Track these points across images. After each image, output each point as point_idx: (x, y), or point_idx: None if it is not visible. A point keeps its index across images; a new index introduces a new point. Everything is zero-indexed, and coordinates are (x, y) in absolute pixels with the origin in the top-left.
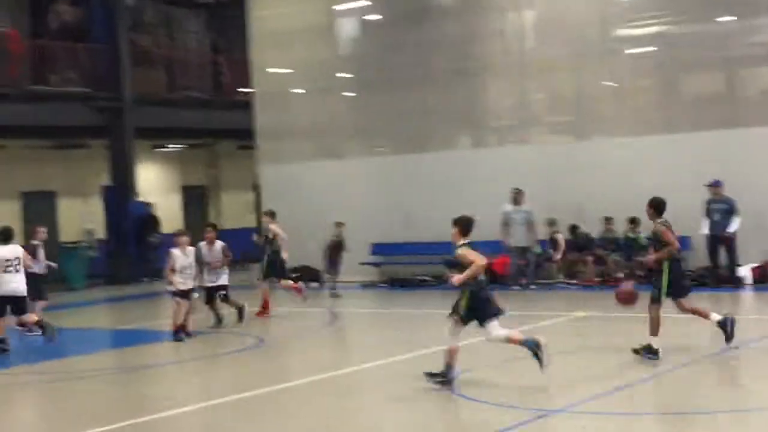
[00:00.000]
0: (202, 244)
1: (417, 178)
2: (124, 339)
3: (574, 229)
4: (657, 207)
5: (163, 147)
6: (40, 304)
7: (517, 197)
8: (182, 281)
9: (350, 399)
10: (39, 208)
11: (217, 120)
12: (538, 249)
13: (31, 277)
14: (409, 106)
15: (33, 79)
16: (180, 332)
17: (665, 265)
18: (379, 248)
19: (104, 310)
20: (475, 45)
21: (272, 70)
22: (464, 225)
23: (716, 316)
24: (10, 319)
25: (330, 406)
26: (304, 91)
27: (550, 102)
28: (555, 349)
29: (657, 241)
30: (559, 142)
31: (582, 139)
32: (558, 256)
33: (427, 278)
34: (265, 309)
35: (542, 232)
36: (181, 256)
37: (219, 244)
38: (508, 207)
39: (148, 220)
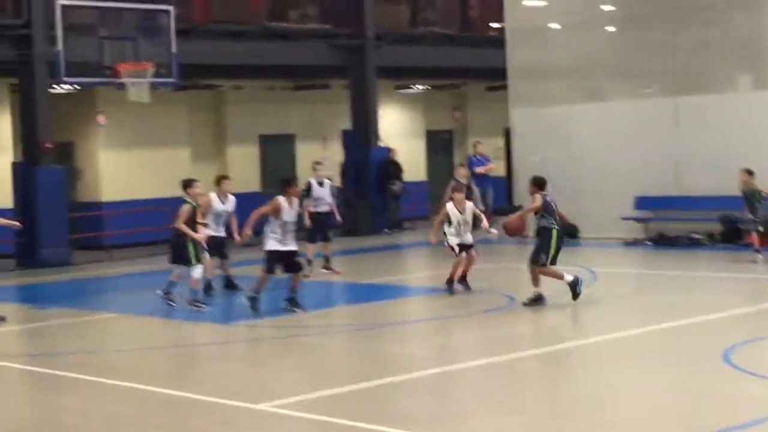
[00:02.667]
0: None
1: (689, 124)
2: (365, 294)
3: None
4: None
5: (406, 88)
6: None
7: None
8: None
9: (611, 368)
10: (277, 152)
11: (464, 58)
12: None
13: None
14: (681, 41)
15: (271, 15)
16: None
17: None
18: (643, 202)
19: (343, 263)
20: None
21: (527, 3)
22: None
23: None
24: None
25: (591, 374)
26: (560, 26)
27: None
28: None
29: None
30: None
31: None
32: None
33: (698, 236)
34: None
35: None
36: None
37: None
38: None
39: (389, 166)
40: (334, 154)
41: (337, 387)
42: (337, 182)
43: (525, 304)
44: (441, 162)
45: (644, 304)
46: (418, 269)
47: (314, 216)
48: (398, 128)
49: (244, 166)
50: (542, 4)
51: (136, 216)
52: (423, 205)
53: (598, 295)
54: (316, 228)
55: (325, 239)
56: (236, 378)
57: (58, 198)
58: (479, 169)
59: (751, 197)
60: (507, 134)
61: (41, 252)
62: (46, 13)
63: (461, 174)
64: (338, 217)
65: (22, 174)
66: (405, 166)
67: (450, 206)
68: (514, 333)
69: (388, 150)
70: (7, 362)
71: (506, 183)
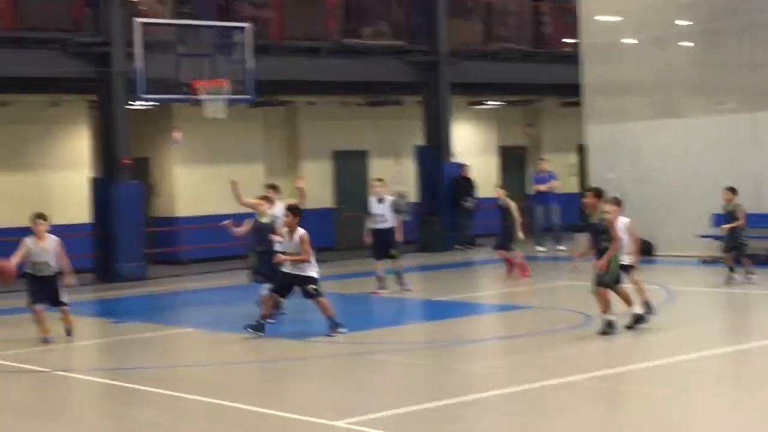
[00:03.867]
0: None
1: None
2: (439, 311)
3: None
4: None
5: (480, 104)
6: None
7: None
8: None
9: (694, 389)
10: (350, 168)
11: (538, 74)
12: None
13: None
14: (759, 56)
15: (345, 32)
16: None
17: None
18: (721, 219)
19: (415, 278)
20: None
21: (602, 18)
22: None
23: None
24: None
25: (674, 395)
26: (636, 41)
27: None
28: None
29: None
30: None
31: None
32: None
33: None
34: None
35: None
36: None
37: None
38: None
39: (462, 182)
40: (407, 170)
41: (415, 405)
42: (413, 198)
43: (600, 333)
44: (514, 178)
45: (724, 324)
46: (490, 286)
47: (375, 233)
48: (471, 144)
49: (317, 181)
50: (617, 19)
51: (210, 231)
52: (495, 222)
53: (677, 314)
54: (377, 245)
55: (389, 256)
56: (314, 394)
57: (134, 213)
58: (541, 187)
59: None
60: (581, 150)
61: (118, 266)
62: (124, 31)
63: (499, 194)
64: (398, 235)
65: (99, 189)
66: (478, 182)
67: None
68: (591, 352)
69: (461, 166)
70: (85, 375)
71: (579, 200)
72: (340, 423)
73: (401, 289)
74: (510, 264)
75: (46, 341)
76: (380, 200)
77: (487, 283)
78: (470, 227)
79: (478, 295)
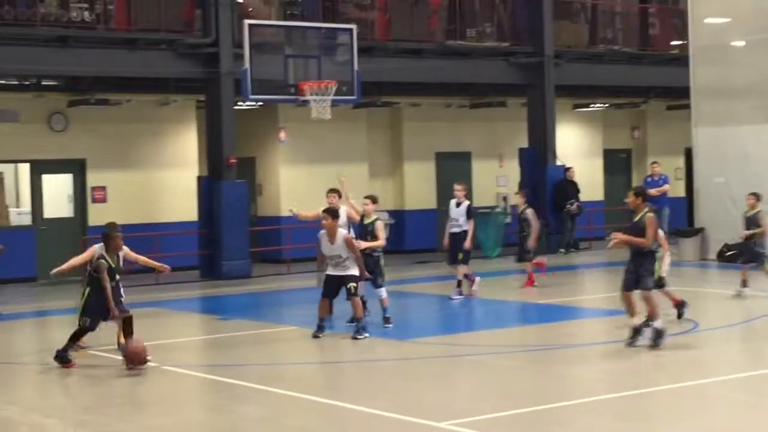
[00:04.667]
0: None
1: None
2: (541, 314)
3: None
4: None
5: (585, 106)
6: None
7: None
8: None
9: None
10: (453, 169)
11: (644, 77)
12: None
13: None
14: None
15: (449, 33)
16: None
17: None
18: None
19: (518, 282)
20: None
21: (710, 21)
22: None
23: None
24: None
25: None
26: (745, 43)
27: None
28: None
29: None
30: None
31: None
32: None
33: None
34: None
35: None
36: None
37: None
38: None
39: (566, 186)
40: (510, 172)
41: (517, 408)
42: (513, 201)
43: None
44: (618, 181)
45: None
46: (595, 290)
47: (451, 237)
48: (576, 147)
49: (420, 182)
50: (726, 21)
51: (314, 231)
52: (600, 225)
53: None
54: (453, 249)
55: (455, 261)
56: (416, 395)
57: (240, 212)
58: (652, 191)
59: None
60: (688, 154)
61: (224, 265)
62: (233, 33)
63: (519, 203)
64: (468, 242)
65: (206, 188)
66: (582, 186)
67: None
68: (698, 358)
69: (565, 169)
70: (191, 371)
71: (687, 204)
72: (443, 424)
73: (468, 293)
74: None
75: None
76: (458, 204)
77: (590, 286)
78: (574, 230)
79: (581, 299)
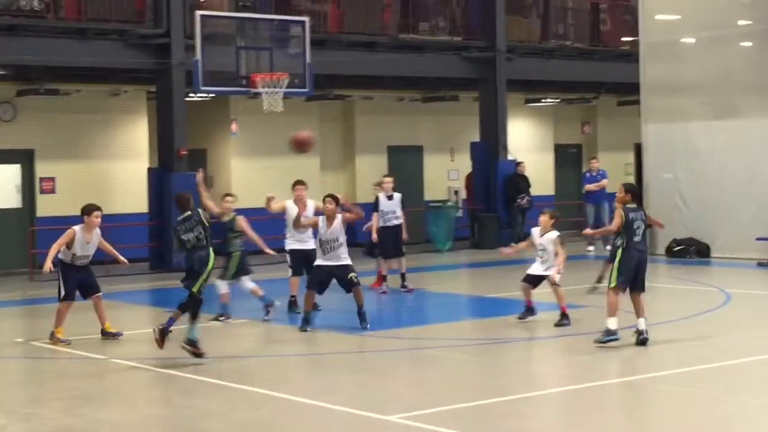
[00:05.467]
0: None
1: None
2: (490, 308)
3: None
4: None
5: (536, 101)
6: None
7: None
8: None
9: (748, 392)
10: (405, 163)
11: (595, 72)
12: None
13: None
14: None
15: (402, 27)
16: None
17: None
18: None
19: (468, 275)
20: None
21: (661, 17)
22: None
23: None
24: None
25: (731, 397)
26: (695, 40)
27: None
28: None
29: None
30: None
31: None
32: None
33: None
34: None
35: None
36: None
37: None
38: None
39: (517, 180)
40: (462, 166)
41: (465, 401)
42: (464, 195)
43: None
44: (569, 176)
45: None
46: (545, 284)
47: (384, 231)
48: (527, 141)
49: (372, 176)
50: (677, 17)
51: (265, 223)
52: None
53: (733, 317)
54: (386, 243)
55: (397, 254)
56: (367, 388)
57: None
58: (590, 186)
59: None
60: (638, 149)
61: (174, 257)
62: (184, 23)
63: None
64: (404, 234)
65: (156, 180)
66: (533, 180)
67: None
68: (647, 353)
69: (516, 164)
70: (141, 364)
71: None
72: (392, 417)
73: (403, 291)
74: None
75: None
76: (390, 197)
77: None
78: (524, 225)
79: (533, 293)
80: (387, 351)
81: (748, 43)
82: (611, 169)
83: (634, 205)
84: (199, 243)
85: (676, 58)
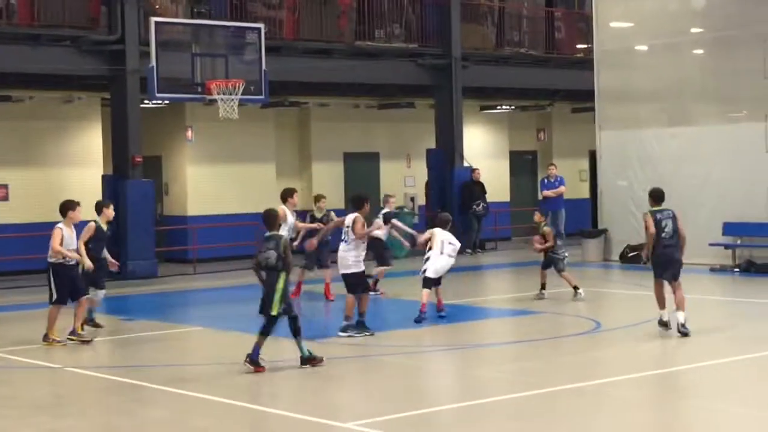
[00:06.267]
0: None
1: None
2: (447, 315)
3: None
4: None
5: (492, 108)
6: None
7: None
8: None
9: (699, 397)
10: (361, 170)
11: (550, 79)
12: None
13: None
14: None
15: (358, 34)
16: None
17: None
18: (732, 228)
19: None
20: None
21: (615, 25)
22: None
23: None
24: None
25: (680, 402)
26: (648, 48)
27: None
28: None
29: None
30: None
31: None
32: None
33: None
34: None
35: None
36: None
37: None
38: None
39: (473, 187)
40: (418, 173)
41: (421, 408)
42: (421, 201)
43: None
44: (524, 183)
45: (733, 333)
46: (501, 291)
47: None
48: (482, 148)
49: (328, 182)
50: (630, 25)
51: (221, 230)
52: (506, 226)
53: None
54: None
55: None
56: (322, 395)
57: (145, 211)
58: (547, 192)
59: None
60: (592, 156)
61: (129, 264)
62: (139, 30)
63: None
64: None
65: (111, 187)
66: (488, 187)
67: None
68: (599, 359)
69: (472, 170)
70: (95, 372)
71: (591, 205)
72: (348, 425)
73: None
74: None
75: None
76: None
77: (496, 287)
78: (480, 231)
79: (488, 299)
80: (342, 358)
81: (700, 51)
82: (566, 175)
83: (659, 207)
84: (269, 264)
85: (629, 65)
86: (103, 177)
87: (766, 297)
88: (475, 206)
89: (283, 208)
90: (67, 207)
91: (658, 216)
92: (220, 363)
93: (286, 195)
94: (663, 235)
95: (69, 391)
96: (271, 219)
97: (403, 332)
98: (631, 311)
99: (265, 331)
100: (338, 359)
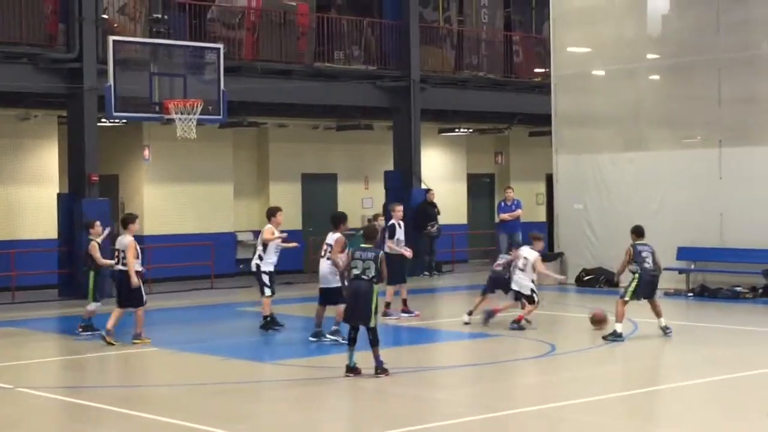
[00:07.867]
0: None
1: (734, 175)
2: (403, 337)
3: None
4: None
5: (450, 131)
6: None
7: None
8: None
9: (654, 421)
10: (319, 191)
11: (507, 103)
12: None
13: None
14: (727, 92)
15: (317, 55)
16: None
17: None
18: (686, 253)
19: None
20: None
21: (572, 50)
22: None
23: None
24: None
25: (636, 426)
26: (604, 73)
27: None
28: None
29: None
30: None
31: None
32: None
33: (741, 289)
34: None
35: None
36: None
37: None
38: None
39: (426, 208)
40: (376, 194)
41: (377, 430)
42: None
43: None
44: (481, 205)
45: (686, 357)
46: (457, 313)
47: (393, 257)
48: (441, 171)
49: (286, 203)
50: (587, 50)
51: (177, 250)
52: (463, 248)
53: (640, 346)
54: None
55: (404, 281)
56: (276, 417)
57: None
58: (504, 216)
59: None
60: (549, 180)
61: (83, 283)
62: (97, 48)
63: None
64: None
65: (67, 205)
66: (446, 209)
67: None
68: (552, 382)
69: (426, 191)
70: (47, 393)
71: (547, 229)
72: None
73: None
74: None
75: None
76: (399, 225)
77: (453, 310)
78: (435, 253)
79: (443, 322)
80: (297, 380)
81: (656, 77)
82: (523, 198)
83: (641, 241)
84: (361, 274)
85: (586, 90)
86: (59, 195)
87: (719, 321)
88: (429, 227)
89: (270, 228)
90: (130, 221)
91: (639, 248)
92: (175, 384)
93: (270, 214)
94: (645, 265)
95: (20, 412)
96: (371, 233)
97: (358, 354)
98: (586, 334)
99: (374, 341)
100: (290, 381)
